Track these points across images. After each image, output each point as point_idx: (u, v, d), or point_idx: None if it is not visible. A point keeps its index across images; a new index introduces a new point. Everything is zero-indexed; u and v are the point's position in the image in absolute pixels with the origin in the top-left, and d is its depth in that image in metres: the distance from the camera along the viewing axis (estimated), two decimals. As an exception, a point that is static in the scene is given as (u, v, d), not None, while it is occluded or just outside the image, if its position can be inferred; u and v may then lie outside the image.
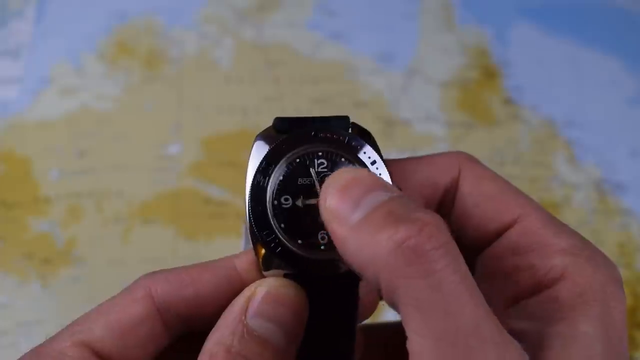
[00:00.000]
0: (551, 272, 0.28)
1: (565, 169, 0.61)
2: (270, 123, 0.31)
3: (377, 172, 0.30)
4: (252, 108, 0.61)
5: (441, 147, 0.60)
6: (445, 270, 0.23)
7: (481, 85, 0.64)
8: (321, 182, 0.29)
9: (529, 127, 0.62)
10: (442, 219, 0.25)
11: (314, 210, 0.29)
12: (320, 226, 0.29)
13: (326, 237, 0.29)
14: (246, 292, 0.28)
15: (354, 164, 0.30)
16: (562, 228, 0.30)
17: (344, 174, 0.27)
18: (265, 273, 0.30)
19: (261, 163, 0.30)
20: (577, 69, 0.65)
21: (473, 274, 0.25)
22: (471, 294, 0.24)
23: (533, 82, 0.64)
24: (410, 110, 0.62)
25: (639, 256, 0.57)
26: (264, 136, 0.31)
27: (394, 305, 0.25)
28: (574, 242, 0.29)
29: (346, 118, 0.31)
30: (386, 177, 0.30)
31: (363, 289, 0.31)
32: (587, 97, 0.64)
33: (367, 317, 0.33)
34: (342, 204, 0.26)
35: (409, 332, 0.24)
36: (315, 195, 0.29)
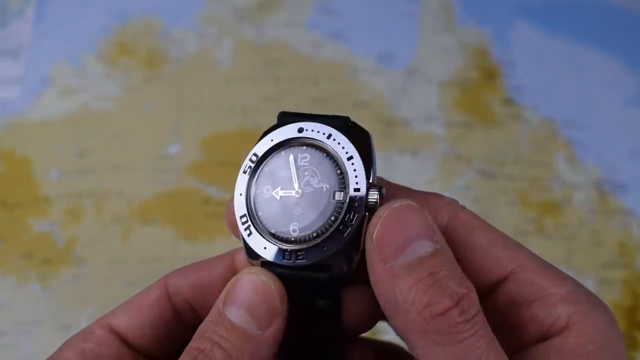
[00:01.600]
0: (557, 323, 0.29)
1: (565, 169, 0.61)
2: (270, 123, 0.32)
3: (352, 167, 0.30)
4: (251, 108, 0.61)
5: (441, 147, 0.60)
6: (471, 339, 0.26)
7: (481, 85, 0.64)
8: (301, 176, 0.30)
9: (529, 127, 0.62)
10: (473, 286, 0.27)
11: (289, 202, 0.30)
12: (293, 218, 0.30)
13: (297, 229, 0.30)
14: (230, 282, 0.30)
15: (331, 158, 0.30)
16: (558, 274, 0.30)
17: (396, 210, 0.28)
18: (250, 261, 0.31)
19: (251, 153, 0.31)
20: (577, 69, 0.65)
21: None
22: (496, 357, 0.26)
23: (533, 82, 0.64)
24: (410, 110, 0.62)
25: (639, 256, 0.57)
26: (269, 130, 0.32)
27: (410, 349, 0.28)
28: (571, 288, 0.30)
29: (346, 118, 0.32)
30: (361, 174, 0.30)
31: (354, 296, 0.31)
32: (587, 97, 0.64)
33: (365, 329, 0.33)
34: (387, 241, 0.27)
35: None
36: (292, 187, 0.30)
